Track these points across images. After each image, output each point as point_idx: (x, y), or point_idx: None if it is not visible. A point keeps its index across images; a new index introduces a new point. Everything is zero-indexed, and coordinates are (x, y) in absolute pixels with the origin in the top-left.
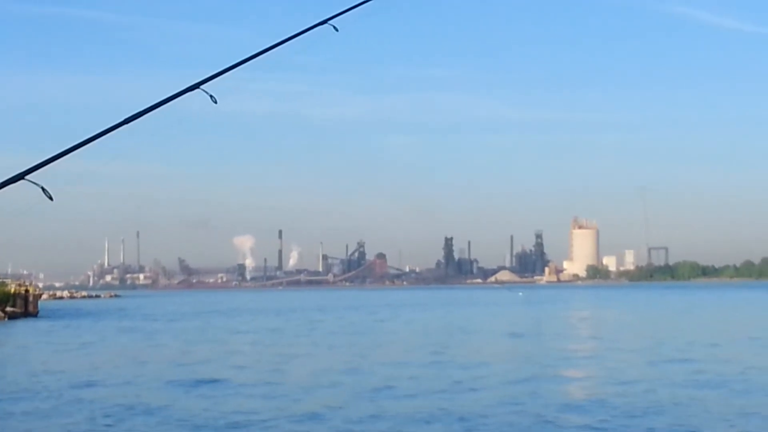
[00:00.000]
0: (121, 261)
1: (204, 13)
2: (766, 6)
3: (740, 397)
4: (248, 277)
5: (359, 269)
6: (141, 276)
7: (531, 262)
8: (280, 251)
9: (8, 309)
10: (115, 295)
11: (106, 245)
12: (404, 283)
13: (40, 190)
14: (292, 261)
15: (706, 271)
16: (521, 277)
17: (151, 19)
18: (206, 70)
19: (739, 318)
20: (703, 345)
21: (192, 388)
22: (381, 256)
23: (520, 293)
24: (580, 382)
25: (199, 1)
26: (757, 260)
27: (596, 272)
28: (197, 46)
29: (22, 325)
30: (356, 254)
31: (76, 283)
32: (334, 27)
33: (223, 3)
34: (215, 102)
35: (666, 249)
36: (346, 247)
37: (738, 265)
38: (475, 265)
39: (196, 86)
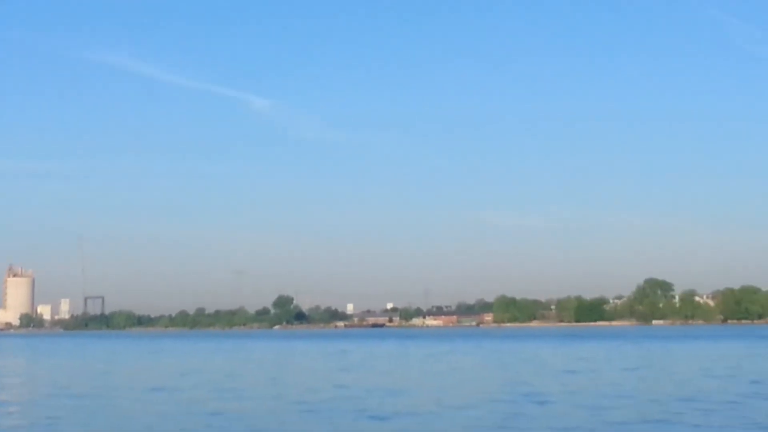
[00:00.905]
0: None
1: None
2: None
3: None
4: None
5: None
6: None
7: None
8: None
9: None
10: None
11: None
12: None
13: None
14: None
15: (142, 321)
16: None
17: None
18: None
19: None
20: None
21: None
22: None
23: None
24: None
25: None
26: (191, 311)
27: (30, 320)
28: None
29: None
30: None
31: None
32: None
33: None
34: None
35: (102, 298)
36: None
37: (173, 315)
38: None
39: None
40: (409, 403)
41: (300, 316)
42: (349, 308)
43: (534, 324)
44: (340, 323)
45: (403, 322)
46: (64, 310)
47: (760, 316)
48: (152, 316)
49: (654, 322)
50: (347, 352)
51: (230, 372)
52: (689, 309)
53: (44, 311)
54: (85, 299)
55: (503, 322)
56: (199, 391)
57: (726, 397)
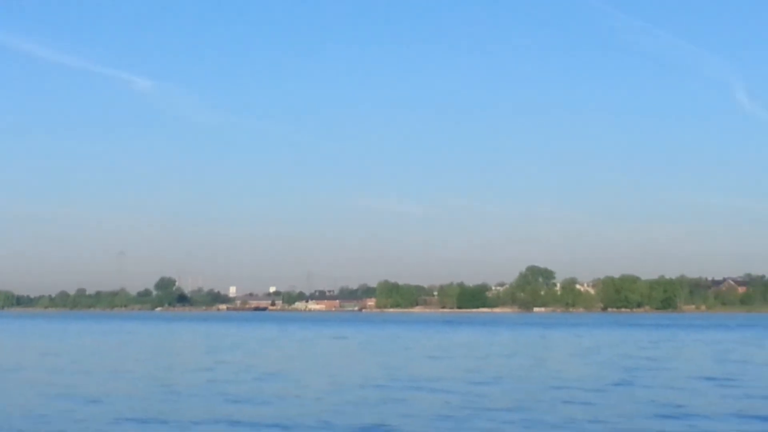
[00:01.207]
0: None
1: None
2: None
3: None
4: None
5: None
6: None
7: None
8: None
9: None
10: None
11: None
12: None
13: None
14: None
15: (21, 301)
16: None
17: None
18: None
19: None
20: None
21: None
22: None
23: None
24: None
25: None
26: (72, 291)
27: None
28: None
29: None
30: None
31: None
32: None
33: None
34: None
35: None
36: None
37: (53, 295)
38: None
39: None
40: (275, 387)
41: (182, 299)
42: (232, 291)
43: (416, 310)
44: (223, 306)
45: (286, 306)
46: None
47: (639, 305)
48: (32, 296)
49: (535, 309)
50: (225, 335)
51: (97, 352)
52: (570, 297)
53: None
54: None
55: (386, 307)
56: (59, 373)
57: (597, 384)
